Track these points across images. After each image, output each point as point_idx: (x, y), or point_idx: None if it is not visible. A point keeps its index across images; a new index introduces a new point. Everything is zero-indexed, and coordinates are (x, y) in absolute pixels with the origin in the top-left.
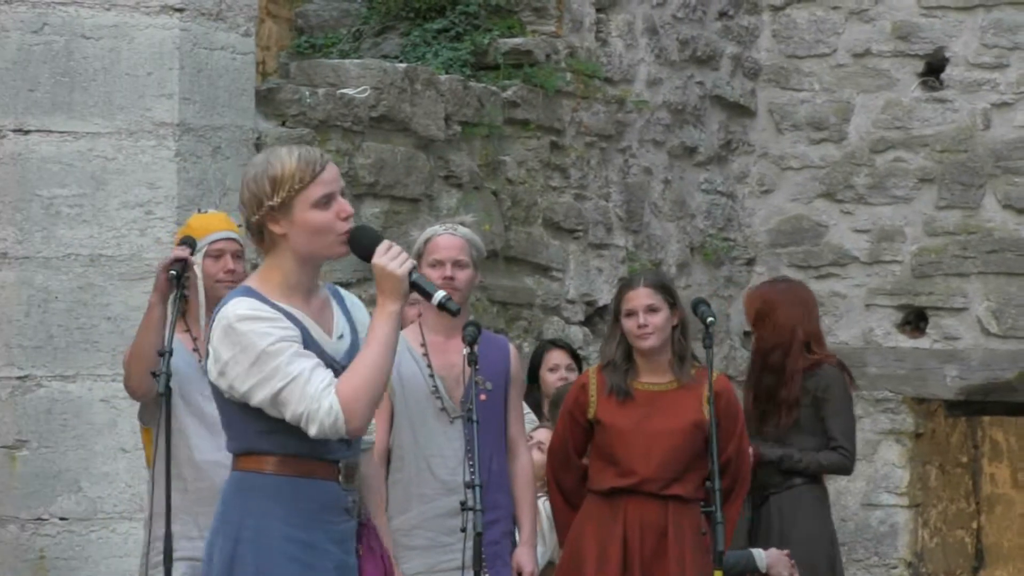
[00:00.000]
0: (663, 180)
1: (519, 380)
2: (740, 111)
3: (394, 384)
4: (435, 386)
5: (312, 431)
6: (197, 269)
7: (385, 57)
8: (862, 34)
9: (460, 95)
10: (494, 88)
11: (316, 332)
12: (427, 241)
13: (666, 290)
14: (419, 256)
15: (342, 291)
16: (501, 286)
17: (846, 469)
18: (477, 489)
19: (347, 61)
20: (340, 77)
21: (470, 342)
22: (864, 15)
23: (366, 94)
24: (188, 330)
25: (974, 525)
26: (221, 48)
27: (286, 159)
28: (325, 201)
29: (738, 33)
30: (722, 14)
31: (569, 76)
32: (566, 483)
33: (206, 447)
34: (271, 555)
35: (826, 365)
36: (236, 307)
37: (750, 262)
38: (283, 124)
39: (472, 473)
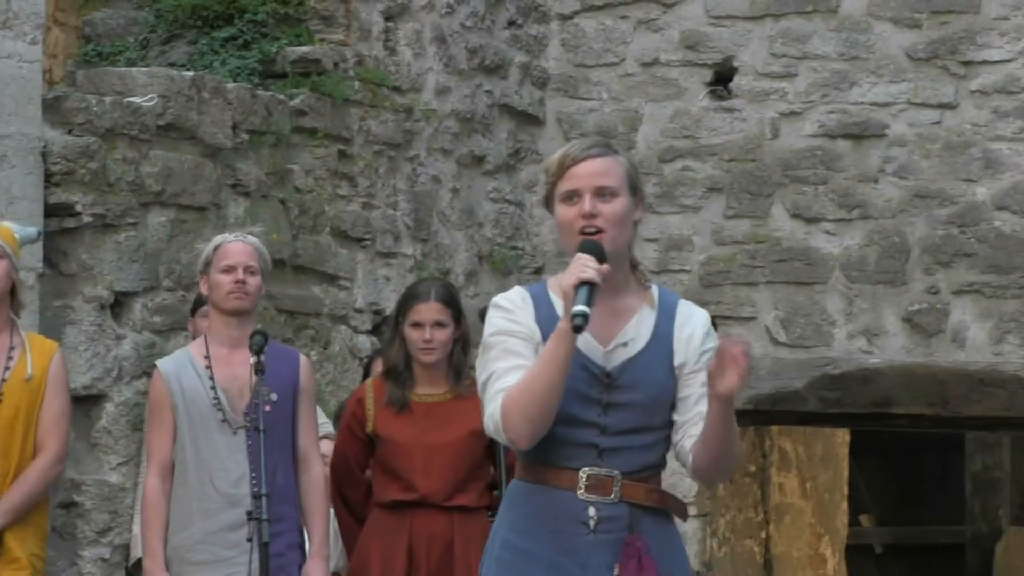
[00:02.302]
0: (451, 189)
1: (310, 391)
2: (528, 120)
3: (176, 398)
4: (216, 398)
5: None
6: None
7: (172, 65)
8: (650, 43)
9: (248, 103)
10: (282, 96)
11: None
12: (217, 248)
13: (455, 305)
14: (208, 263)
15: (682, 302)
16: (288, 295)
17: None
18: (264, 499)
19: (134, 69)
20: (127, 85)
21: (256, 351)
22: (652, 24)
23: (153, 102)
24: None
25: (763, 535)
26: (8, 56)
27: (560, 149)
28: (569, 196)
29: (527, 42)
30: (511, 23)
31: (357, 85)
32: (351, 497)
33: None
34: (490, 560)
35: None
36: (501, 294)
37: (538, 271)
38: (70, 132)
39: (256, 483)
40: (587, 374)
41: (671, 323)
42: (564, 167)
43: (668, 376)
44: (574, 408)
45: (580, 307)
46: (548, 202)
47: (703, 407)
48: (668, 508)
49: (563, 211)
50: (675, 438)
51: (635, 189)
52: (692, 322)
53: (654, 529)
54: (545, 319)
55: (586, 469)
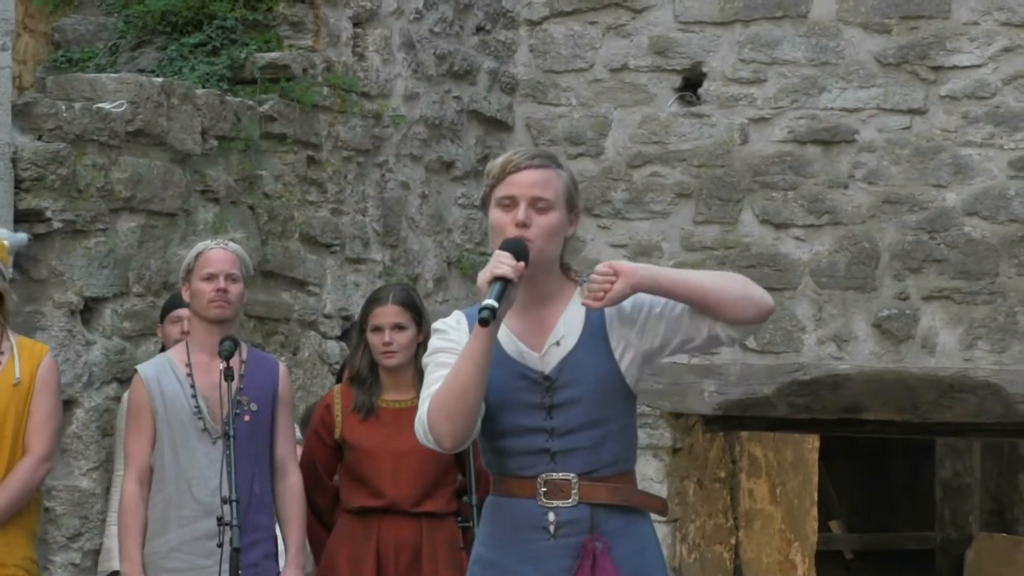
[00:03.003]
0: (420, 195)
1: (288, 400)
2: (497, 126)
3: (156, 404)
4: (197, 406)
5: None
6: None
7: (142, 71)
8: (619, 49)
9: (217, 109)
10: (251, 102)
11: (512, 346)
12: (198, 255)
13: (414, 308)
14: (190, 270)
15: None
16: (258, 301)
17: None
18: (234, 504)
19: (104, 75)
20: (97, 91)
21: (226, 357)
22: (621, 30)
23: (123, 108)
24: None
25: (732, 540)
26: None
27: (505, 154)
28: (507, 202)
29: (495, 48)
30: (479, 29)
31: (326, 91)
32: (318, 503)
33: None
34: None
35: None
36: (440, 319)
37: None
38: (40, 138)
39: (229, 488)
40: (527, 382)
41: (601, 309)
42: (505, 172)
43: (608, 363)
44: (520, 418)
45: (488, 301)
46: (484, 204)
47: (681, 312)
48: (636, 506)
49: (497, 215)
50: (713, 332)
51: (571, 204)
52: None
53: (621, 529)
54: None
55: (543, 475)
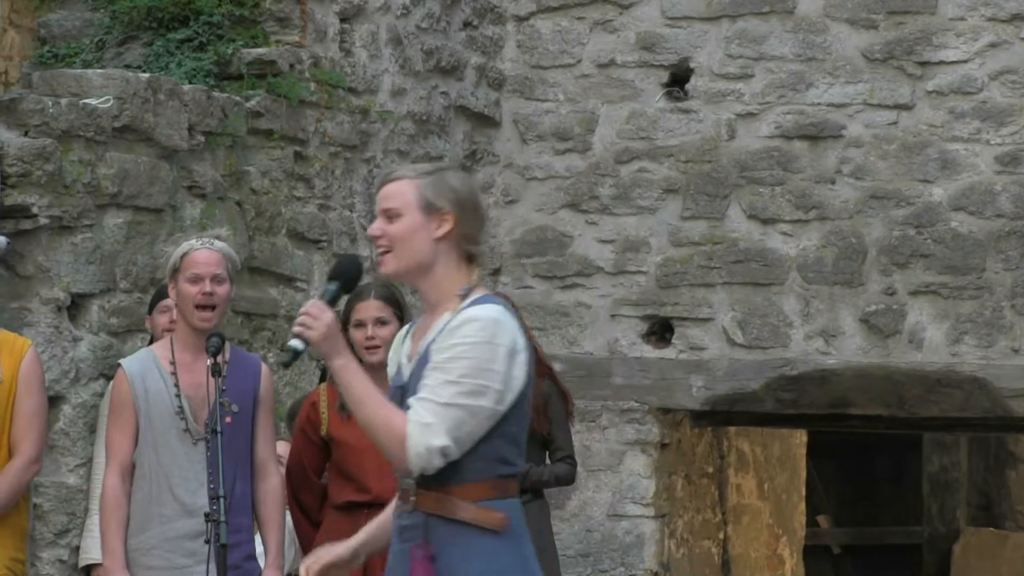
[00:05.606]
0: None
1: (269, 401)
2: (485, 121)
3: (139, 401)
4: (180, 406)
5: None
6: None
7: (128, 67)
8: (607, 44)
9: (204, 105)
10: (238, 98)
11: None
12: (184, 256)
13: (395, 302)
14: (175, 271)
15: (459, 318)
16: (245, 297)
17: (573, 479)
18: (222, 501)
19: (90, 71)
20: (83, 87)
21: (213, 353)
22: (608, 25)
23: (109, 104)
24: None
25: (720, 535)
26: None
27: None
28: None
29: (482, 43)
30: (466, 24)
31: (313, 86)
32: (306, 500)
33: None
34: None
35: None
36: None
37: (495, 272)
38: (26, 134)
39: (213, 485)
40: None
41: (440, 332)
42: (378, 188)
43: None
44: None
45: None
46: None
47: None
48: (463, 519)
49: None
50: None
51: (430, 207)
52: (453, 327)
53: (447, 539)
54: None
55: (402, 481)
